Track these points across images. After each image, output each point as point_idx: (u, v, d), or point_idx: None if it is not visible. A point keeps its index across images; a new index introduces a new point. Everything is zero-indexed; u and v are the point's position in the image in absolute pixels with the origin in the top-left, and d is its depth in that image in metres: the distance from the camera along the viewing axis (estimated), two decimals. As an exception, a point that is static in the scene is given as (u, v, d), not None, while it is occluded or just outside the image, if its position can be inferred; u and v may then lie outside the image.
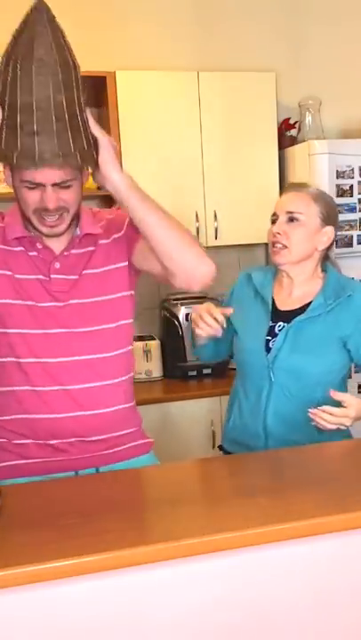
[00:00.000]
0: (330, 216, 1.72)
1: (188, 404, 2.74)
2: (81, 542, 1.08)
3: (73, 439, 1.48)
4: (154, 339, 3.02)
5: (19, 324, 1.44)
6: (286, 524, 1.13)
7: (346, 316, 1.68)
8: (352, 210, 2.90)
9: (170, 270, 1.44)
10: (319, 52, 3.34)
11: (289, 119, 3.19)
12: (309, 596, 1.19)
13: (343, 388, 1.76)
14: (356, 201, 2.90)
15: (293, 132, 3.19)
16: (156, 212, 1.41)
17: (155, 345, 2.99)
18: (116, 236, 1.53)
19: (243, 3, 3.21)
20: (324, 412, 1.52)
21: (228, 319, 1.81)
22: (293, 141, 3.14)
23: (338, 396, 1.54)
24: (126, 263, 1.52)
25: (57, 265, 1.46)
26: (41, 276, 1.46)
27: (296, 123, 3.19)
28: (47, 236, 1.43)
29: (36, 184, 1.33)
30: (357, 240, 2.93)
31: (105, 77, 2.74)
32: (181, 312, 2.97)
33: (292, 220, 1.68)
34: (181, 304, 2.99)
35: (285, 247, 1.68)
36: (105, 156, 1.37)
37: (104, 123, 2.91)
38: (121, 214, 1.57)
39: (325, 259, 1.79)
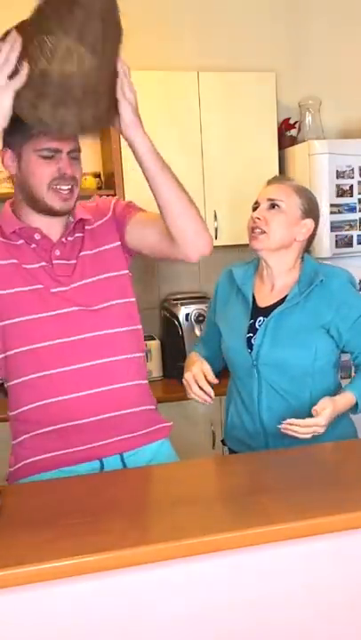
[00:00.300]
0: (311, 210, 1.74)
1: (188, 404, 2.73)
2: (81, 542, 1.09)
3: (91, 418, 1.48)
4: (154, 339, 3.02)
5: (31, 310, 1.46)
6: (286, 524, 1.13)
7: (323, 303, 1.68)
8: (352, 210, 2.90)
9: (173, 235, 1.49)
10: (319, 52, 3.33)
11: (289, 119, 3.18)
12: (309, 596, 1.19)
13: (335, 374, 1.76)
14: (356, 201, 2.90)
15: (293, 132, 3.19)
16: (169, 174, 1.49)
17: (155, 345, 2.99)
18: (100, 221, 1.59)
19: (243, 3, 3.21)
20: (292, 424, 1.54)
21: (214, 323, 1.83)
22: (293, 141, 3.14)
23: (317, 409, 1.57)
24: (119, 243, 1.58)
25: (57, 252, 1.51)
26: (44, 263, 1.49)
27: (296, 123, 3.19)
28: (58, 213, 1.47)
29: (54, 151, 1.41)
30: (357, 240, 2.93)
31: (105, 77, 2.73)
32: (181, 312, 2.96)
33: (273, 206, 1.70)
34: (181, 304, 2.99)
35: (264, 232, 1.70)
36: (127, 119, 1.45)
37: (104, 123, 2.92)
38: (103, 200, 1.65)
39: (307, 252, 1.80)
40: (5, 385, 1.54)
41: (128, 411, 1.53)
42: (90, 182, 2.90)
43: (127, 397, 1.53)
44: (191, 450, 2.67)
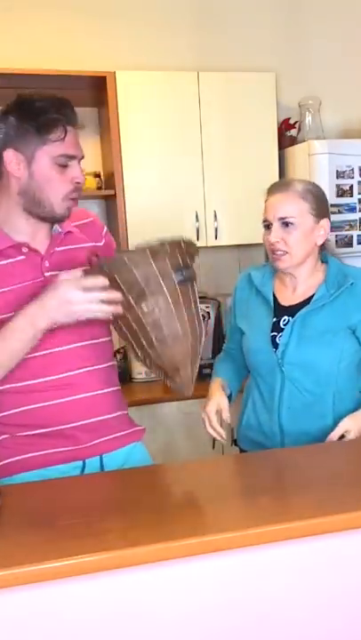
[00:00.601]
0: (321, 209, 1.71)
1: (189, 404, 2.74)
2: (81, 542, 1.08)
3: (74, 423, 1.50)
4: (154, 339, 3.02)
5: None
6: (286, 523, 1.13)
7: (351, 305, 1.68)
8: (352, 210, 2.90)
9: None
10: (319, 52, 3.34)
11: (289, 119, 3.19)
12: (309, 596, 1.19)
13: (358, 376, 1.76)
14: (357, 201, 2.90)
15: (293, 132, 3.19)
16: None
17: (155, 345, 2.98)
18: (96, 244, 1.59)
19: (243, 3, 3.21)
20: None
21: (236, 327, 1.83)
22: (293, 141, 3.14)
23: (334, 435, 1.62)
24: None
25: (47, 263, 1.48)
26: (34, 280, 1.46)
27: (296, 123, 3.19)
28: (60, 219, 1.47)
29: (70, 157, 1.41)
30: (357, 240, 2.93)
31: (105, 77, 2.74)
32: (181, 312, 2.96)
33: (286, 224, 1.66)
34: (181, 304, 2.99)
35: (286, 252, 1.68)
36: None
37: (104, 123, 2.92)
38: (96, 223, 1.65)
39: (322, 249, 1.79)
40: None
41: (109, 416, 1.56)
42: (90, 182, 2.90)
43: (108, 403, 1.56)
44: (191, 450, 2.68)
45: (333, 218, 2.84)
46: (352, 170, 2.87)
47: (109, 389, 1.57)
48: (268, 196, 1.72)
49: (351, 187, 2.88)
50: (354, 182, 2.88)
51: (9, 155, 1.40)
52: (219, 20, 3.17)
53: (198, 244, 2.98)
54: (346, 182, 2.87)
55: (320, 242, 1.72)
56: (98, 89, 2.85)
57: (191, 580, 1.13)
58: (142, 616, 1.12)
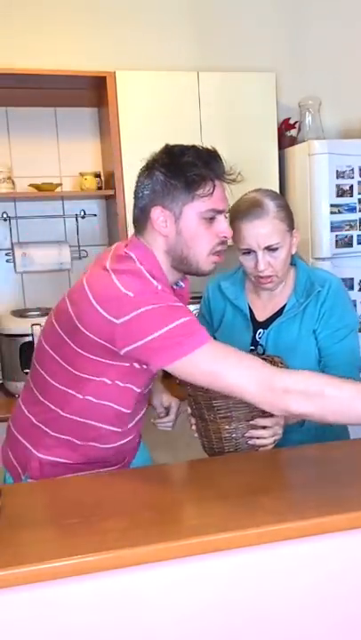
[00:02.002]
0: (291, 220, 1.67)
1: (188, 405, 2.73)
2: (81, 542, 1.09)
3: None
4: (154, 339, 3.02)
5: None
6: (286, 523, 1.13)
7: (314, 311, 1.68)
8: (352, 210, 2.90)
9: None
10: (319, 52, 3.33)
11: (289, 119, 3.18)
12: (309, 596, 1.19)
13: None
14: (356, 201, 2.90)
15: (293, 132, 3.19)
16: None
17: (155, 345, 2.98)
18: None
19: (243, 3, 3.21)
20: (256, 428, 1.51)
21: (213, 337, 1.82)
22: (293, 141, 3.14)
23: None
24: None
25: None
26: None
27: (296, 123, 3.19)
28: (203, 274, 1.47)
29: (216, 212, 1.40)
30: (357, 240, 2.92)
31: (105, 77, 2.73)
32: (181, 312, 2.96)
33: (272, 249, 1.62)
34: (181, 304, 2.99)
35: (272, 275, 1.66)
36: None
37: (104, 123, 2.92)
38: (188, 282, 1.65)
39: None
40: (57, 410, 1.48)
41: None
42: (90, 182, 2.90)
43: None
44: (191, 450, 2.67)
45: (333, 218, 2.86)
46: (352, 170, 2.87)
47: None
48: (239, 220, 1.63)
49: (351, 187, 2.88)
50: (354, 182, 2.88)
51: (156, 212, 1.38)
52: (219, 20, 3.17)
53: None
54: (346, 182, 2.87)
55: (294, 251, 1.70)
56: (98, 89, 2.85)
57: (191, 580, 1.13)
58: (142, 616, 1.12)
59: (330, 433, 1.72)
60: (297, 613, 1.19)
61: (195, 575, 1.13)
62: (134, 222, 1.46)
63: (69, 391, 1.44)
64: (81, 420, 1.46)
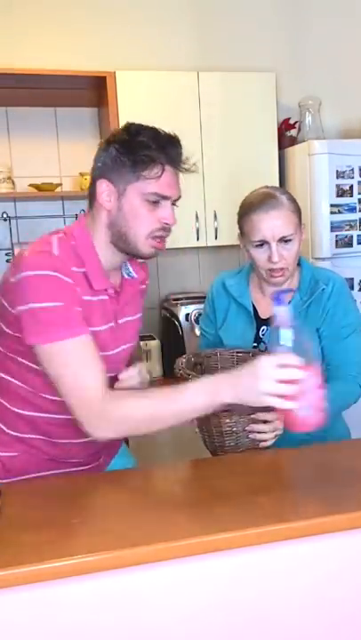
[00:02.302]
0: (300, 215, 1.69)
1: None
2: (81, 542, 1.09)
3: (82, 458, 1.54)
4: (154, 339, 3.02)
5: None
6: (286, 523, 1.13)
7: (317, 309, 1.68)
8: (352, 210, 2.90)
9: None
10: (319, 52, 3.34)
11: (289, 119, 3.19)
12: (309, 596, 1.19)
13: None
14: (356, 201, 2.90)
15: (293, 132, 3.19)
16: None
17: (155, 345, 2.99)
18: (142, 286, 1.63)
19: (243, 2, 3.21)
20: (256, 422, 1.50)
21: (217, 336, 1.82)
22: (293, 141, 3.14)
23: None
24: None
25: (120, 309, 1.50)
26: (112, 324, 1.48)
27: (296, 123, 3.19)
28: (144, 257, 1.47)
29: (161, 197, 1.38)
30: (357, 240, 2.93)
31: (105, 77, 2.74)
32: (181, 312, 2.96)
33: (285, 241, 1.63)
34: (181, 304, 2.99)
35: (284, 268, 1.65)
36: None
37: (104, 123, 2.92)
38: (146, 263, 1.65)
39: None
40: (9, 379, 1.47)
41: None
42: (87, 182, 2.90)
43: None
44: (191, 450, 2.67)
45: (333, 218, 2.86)
46: (352, 170, 2.87)
47: None
48: (254, 212, 1.63)
49: (351, 187, 2.88)
50: (354, 182, 2.88)
51: (102, 185, 1.38)
52: (219, 19, 3.18)
53: (198, 244, 3.01)
54: (346, 182, 2.87)
55: (301, 247, 1.71)
56: (98, 89, 2.85)
57: (191, 579, 1.13)
58: (142, 616, 1.12)
59: (331, 432, 1.72)
60: (297, 613, 1.19)
61: (195, 575, 1.13)
62: (88, 196, 1.46)
63: (2, 375, 1.44)
64: (19, 411, 1.44)
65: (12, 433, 1.47)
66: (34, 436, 1.46)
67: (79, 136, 3.04)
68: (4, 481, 1.46)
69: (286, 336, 1.23)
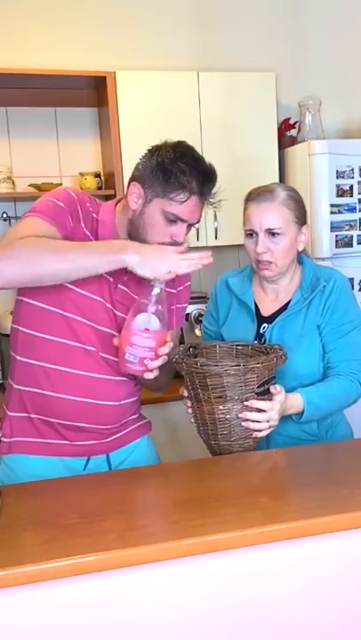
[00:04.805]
0: (303, 215, 1.70)
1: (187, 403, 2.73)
2: (81, 542, 1.09)
3: (86, 424, 1.53)
4: (154, 339, 3.02)
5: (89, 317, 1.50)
6: (286, 523, 1.13)
7: (318, 305, 1.68)
8: (352, 210, 2.90)
9: None
10: (319, 52, 3.34)
11: (289, 119, 3.19)
12: (309, 596, 1.19)
13: None
14: (357, 201, 2.90)
15: (293, 132, 3.19)
16: None
17: (155, 345, 2.98)
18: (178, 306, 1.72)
19: (242, 3, 3.21)
20: (251, 410, 1.50)
21: (218, 334, 1.82)
22: (293, 141, 3.14)
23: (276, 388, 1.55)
24: None
25: (125, 278, 1.52)
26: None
27: (296, 123, 3.19)
28: None
29: (180, 219, 1.49)
30: (357, 240, 2.93)
31: (105, 77, 2.74)
32: (181, 312, 2.96)
33: (273, 234, 1.64)
34: (181, 304, 2.98)
35: (271, 262, 1.66)
36: None
37: (104, 123, 2.92)
38: (190, 289, 1.76)
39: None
40: (13, 355, 1.55)
41: (125, 420, 1.62)
42: (90, 182, 2.90)
43: (127, 410, 1.61)
44: (191, 450, 2.67)
45: (333, 218, 2.86)
46: (352, 170, 2.87)
47: (132, 399, 1.62)
48: (249, 203, 1.69)
49: (351, 187, 2.88)
50: (354, 182, 2.88)
51: (134, 187, 1.48)
52: (219, 20, 3.17)
53: (198, 244, 3.00)
54: (346, 182, 2.87)
55: (301, 248, 1.72)
56: (98, 89, 2.85)
57: (191, 579, 1.13)
58: (142, 616, 1.12)
59: (334, 432, 1.72)
60: (297, 613, 1.19)
61: (195, 575, 1.13)
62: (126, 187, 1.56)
63: (14, 325, 1.52)
64: (27, 360, 1.50)
65: (19, 387, 1.52)
66: (41, 392, 1.50)
67: (79, 136, 3.04)
68: (10, 439, 1.53)
69: (156, 291, 1.40)
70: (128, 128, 2.80)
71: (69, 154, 3.04)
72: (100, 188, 2.94)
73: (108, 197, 2.96)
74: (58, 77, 2.66)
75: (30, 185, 2.83)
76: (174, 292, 1.64)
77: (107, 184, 2.97)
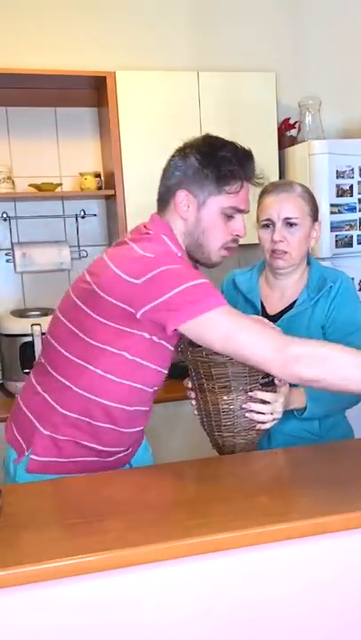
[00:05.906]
0: (316, 211, 1.74)
1: (187, 403, 2.73)
2: (81, 542, 1.09)
3: (117, 448, 1.55)
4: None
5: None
6: (286, 523, 1.13)
7: (324, 305, 1.70)
8: (352, 210, 2.90)
9: None
10: (319, 52, 3.34)
11: (289, 119, 3.18)
12: (309, 596, 1.19)
13: None
14: (357, 201, 2.90)
15: (293, 132, 3.19)
16: None
17: (155, 345, 2.98)
18: None
19: (242, 2, 3.21)
20: (255, 401, 1.50)
21: None
22: (293, 141, 3.14)
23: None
24: None
25: None
26: None
27: (296, 123, 3.19)
28: (212, 266, 1.52)
29: (238, 211, 1.46)
30: (357, 240, 2.93)
31: (105, 77, 2.74)
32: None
33: (290, 225, 1.68)
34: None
35: (286, 252, 1.69)
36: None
37: (104, 123, 2.92)
38: None
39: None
40: (84, 365, 1.44)
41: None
42: (90, 182, 2.90)
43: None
44: (191, 450, 2.67)
45: (333, 218, 2.86)
46: (352, 170, 2.87)
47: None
48: (267, 195, 1.72)
49: (351, 187, 2.88)
50: (354, 182, 2.88)
51: (181, 195, 1.43)
52: (218, 19, 3.17)
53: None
54: (346, 182, 2.87)
55: (313, 244, 1.75)
56: (98, 89, 2.85)
57: (191, 579, 1.13)
58: (142, 616, 1.12)
59: (334, 432, 1.72)
60: (297, 613, 1.19)
61: (195, 575, 1.13)
62: (158, 200, 1.50)
63: (82, 363, 1.42)
64: (92, 396, 1.44)
65: (67, 413, 1.46)
66: (94, 423, 1.47)
67: (79, 136, 3.04)
68: (56, 459, 1.47)
69: None
70: (128, 128, 2.80)
71: (69, 154, 3.04)
72: (100, 188, 2.94)
73: (107, 197, 2.97)
74: (58, 77, 2.66)
75: (30, 185, 2.83)
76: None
77: (107, 184, 2.97)
